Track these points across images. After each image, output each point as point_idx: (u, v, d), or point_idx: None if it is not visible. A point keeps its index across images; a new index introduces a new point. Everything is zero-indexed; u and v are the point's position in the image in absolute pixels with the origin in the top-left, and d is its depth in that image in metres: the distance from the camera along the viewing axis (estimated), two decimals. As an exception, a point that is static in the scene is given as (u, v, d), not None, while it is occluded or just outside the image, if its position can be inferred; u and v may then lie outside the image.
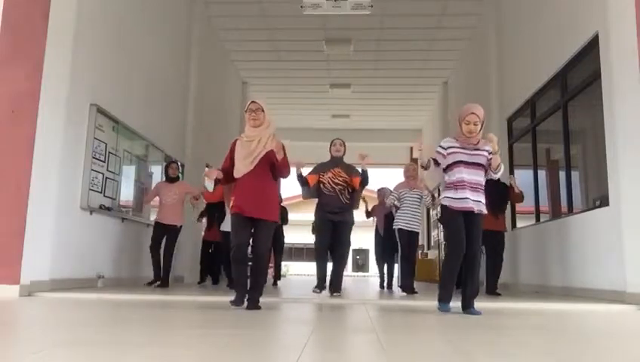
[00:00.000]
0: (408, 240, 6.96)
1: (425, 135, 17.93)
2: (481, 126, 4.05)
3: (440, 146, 4.14)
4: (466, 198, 3.98)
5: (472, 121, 4.00)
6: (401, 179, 7.41)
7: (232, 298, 4.17)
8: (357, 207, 6.39)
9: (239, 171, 4.20)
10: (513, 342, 2.62)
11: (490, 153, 4.07)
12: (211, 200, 7.51)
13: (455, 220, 4.01)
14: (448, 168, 4.10)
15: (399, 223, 6.97)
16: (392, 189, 7.49)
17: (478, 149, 4.06)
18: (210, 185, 8.21)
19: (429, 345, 2.45)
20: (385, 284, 8.44)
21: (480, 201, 4.02)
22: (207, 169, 4.39)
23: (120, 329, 2.82)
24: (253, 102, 4.29)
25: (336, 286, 5.94)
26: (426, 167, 4.17)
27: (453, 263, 4.04)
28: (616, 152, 5.41)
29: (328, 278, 6.05)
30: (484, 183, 4.08)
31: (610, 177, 5.62)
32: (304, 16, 9.61)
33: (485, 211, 4.07)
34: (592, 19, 6.08)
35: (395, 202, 7.08)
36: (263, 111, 4.23)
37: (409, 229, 6.92)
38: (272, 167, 4.23)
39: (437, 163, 4.13)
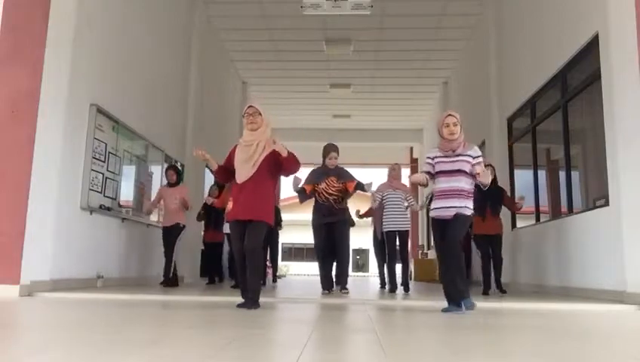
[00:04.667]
0: (398, 240, 6.99)
1: (425, 135, 17.94)
2: (460, 128, 4.12)
3: (427, 157, 4.27)
4: (441, 207, 4.11)
5: (451, 123, 4.10)
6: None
7: (240, 302, 4.21)
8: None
9: (240, 176, 4.22)
10: (513, 341, 2.62)
11: (474, 158, 4.12)
12: (219, 206, 7.63)
13: (436, 230, 4.21)
14: (434, 178, 4.22)
15: (385, 226, 6.99)
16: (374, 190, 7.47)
17: (459, 155, 4.10)
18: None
19: (429, 345, 2.45)
20: (386, 284, 8.45)
21: (453, 206, 4.05)
22: (195, 151, 4.41)
23: (120, 329, 2.82)
24: (250, 106, 4.31)
25: (342, 284, 6.17)
26: (425, 185, 4.27)
27: (440, 267, 4.32)
28: (616, 152, 5.41)
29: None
30: (466, 187, 4.10)
31: (610, 177, 5.62)
32: (304, 16, 9.61)
33: (467, 213, 4.08)
34: (592, 19, 6.08)
35: (376, 204, 7.08)
36: (260, 114, 4.24)
37: (395, 229, 6.95)
38: (276, 168, 4.25)
39: (431, 175, 4.22)
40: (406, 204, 7.04)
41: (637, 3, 5.36)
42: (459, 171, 4.07)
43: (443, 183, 4.12)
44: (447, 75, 13.95)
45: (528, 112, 8.37)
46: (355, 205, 7.84)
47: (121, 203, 7.39)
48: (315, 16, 9.90)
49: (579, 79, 6.68)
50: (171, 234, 7.41)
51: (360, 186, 6.19)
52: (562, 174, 7.20)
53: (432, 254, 15.18)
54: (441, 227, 4.14)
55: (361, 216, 9.00)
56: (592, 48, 6.16)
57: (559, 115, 7.20)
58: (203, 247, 9.25)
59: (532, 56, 8.13)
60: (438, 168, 4.15)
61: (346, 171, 6.28)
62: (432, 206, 4.20)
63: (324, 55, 12.40)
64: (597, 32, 5.96)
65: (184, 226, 7.49)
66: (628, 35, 5.36)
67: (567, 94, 6.99)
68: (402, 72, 13.63)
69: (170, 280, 7.26)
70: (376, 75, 13.89)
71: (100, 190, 6.70)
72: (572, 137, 7.01)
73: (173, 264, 7.33)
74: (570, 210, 6.82)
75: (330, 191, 6.07)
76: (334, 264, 6.42)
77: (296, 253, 32.00)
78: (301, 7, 8.68)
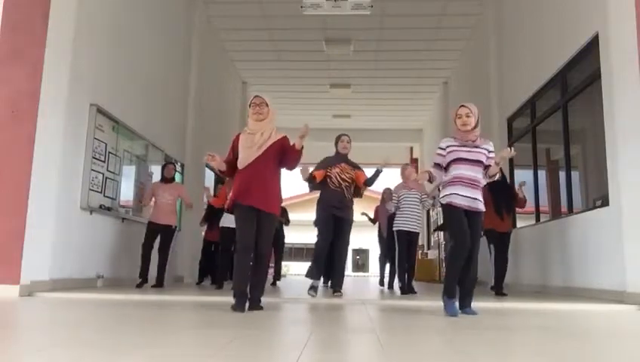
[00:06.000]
0: (408, 241, 6.96)
1: (425, 135, 17.94)
2: (477, 122, 4.06)
3: (439, 148, 4.15)
4: (466, 196, 3.97)
5: (463, 114, 4.03)
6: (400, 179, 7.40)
7: (233, 303, 3.95)
8: (361, 195, 6.40)
9: (244, 160, 4.09)
10: (513, 341, 2.62)
11: (489, 152, 4.10)
12: (218, 204, 7.51)
13: (457, 215, 3.97)
14: (448, 166, 4.10)
15: (398, 225, 6.96)
16: (392, 189, 7.50)
17: (477, 147, 4.07)
18: (209, 190, 8.14)
19: (429, 345, 2.45)
20: (386, 283, 8.52)
21: (476, 199, 3.99)
22: (207, 156, 4.27)
23: (119, 329, 2.82)
24: (257, 96, 4.24)
25: (336, 285, 5.97)
26: (431, 180, 4.15)
27: (457, 260, 3.94)
28: (616, 152, 5.41)
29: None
30: (482, 181, 4.07)
31: (610, 177, 5.62)
32: (304, 16, 9.61)
33: (482, 208, 4.04)
34: (592, 19, 6.08)
35: (392, 209, 7.07)
36: (267, 105, 4.20)
37: (407, 230, 6.91)
38: (280, 158, 4.17)
39: (439, 166, 4.11)
40: (421, 207, 7.01)
41: (637, 3, 5.36)
42: (478, 162, 4.03)
43: (467, 171, 3.99)
44: (447, 75, 13.95)
45: (528, 112, 8.37)
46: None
47: (121, 203, 7.38)
48: (315, 16, 9.91)
49: (579, 79, 6.68)
50: (165, 235, 7.18)
51: (369, 182, 6.08)
52: (562, 174, 7.20)
53: (432, 254, 15.16)
54: (462, 216, 3.95)
55: (373, 221, 9.58)
56: (592, 48, 6.16)
57: (559, 115, 7.20)
58: (204, 246, 9.16)
59: (532, 56, 8.13)
60: (455, 156, 4.03)
61: (357, 164, 6.20)
62: (450, 191, 3.99)
63: (324, 55, 12.40)
64: (597, 32, 5.97)
65: (176, 227, 7.33)
66: (628, 35, 5.37)
67: (567, 94, 6.99)
68: (402, 72, 13.63)
69: (157, 281, 7.04)
70: (376, 75, 13.89)
71: (100, 190, 6.70)
72: (572, 137, 7.01)
73: (158, 265, 7.10)
74: (570, 210, 6.82)
75: (344, 177, 5.96)
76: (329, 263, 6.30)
77: (296, 253, 31.96)
78: (301, 7, 8.68)
